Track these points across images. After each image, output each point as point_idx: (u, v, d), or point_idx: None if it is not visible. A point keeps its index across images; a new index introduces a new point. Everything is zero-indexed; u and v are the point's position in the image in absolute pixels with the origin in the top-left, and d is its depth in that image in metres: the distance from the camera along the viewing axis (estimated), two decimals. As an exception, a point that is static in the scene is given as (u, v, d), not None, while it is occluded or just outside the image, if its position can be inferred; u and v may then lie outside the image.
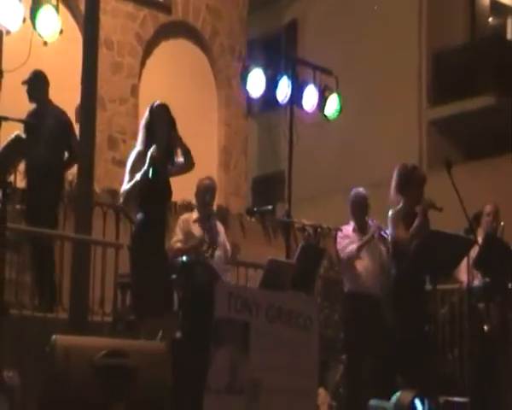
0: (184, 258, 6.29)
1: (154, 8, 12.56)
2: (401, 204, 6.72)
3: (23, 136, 5.24)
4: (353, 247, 7.10)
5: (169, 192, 5.85)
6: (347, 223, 7.35)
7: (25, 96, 7.73)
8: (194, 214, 6.93)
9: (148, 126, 5.76)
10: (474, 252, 6.63)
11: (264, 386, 5.20)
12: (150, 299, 5.50)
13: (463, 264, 6.79)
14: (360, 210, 7.24)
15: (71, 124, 7.72)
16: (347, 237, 7.22)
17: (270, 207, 9.56)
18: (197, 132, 11.35)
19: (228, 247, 6.99)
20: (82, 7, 8.09)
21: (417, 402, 5.52)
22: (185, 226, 6.77)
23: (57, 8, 7.64)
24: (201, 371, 5.06)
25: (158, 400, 4.38)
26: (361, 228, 7.22)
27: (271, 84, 9.81)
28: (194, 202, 7.32)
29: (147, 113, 5.82)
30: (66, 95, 8.04)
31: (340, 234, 7.35)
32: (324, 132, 12.39)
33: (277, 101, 9.93)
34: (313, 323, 5.56)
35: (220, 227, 7.07)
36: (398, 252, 6.60)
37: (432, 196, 6.71)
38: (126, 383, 4.25)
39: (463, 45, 15.93)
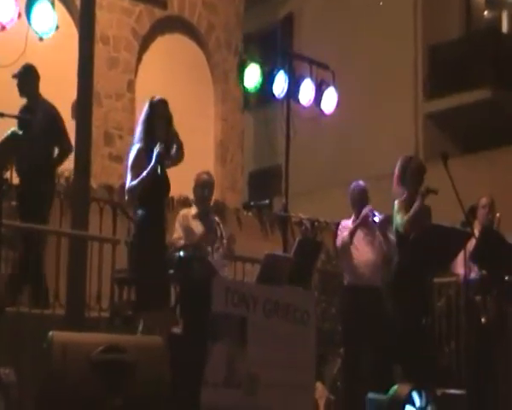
0: (181, 253, 6.29)
1: (150, 3, 12.49)
2: (405, 195, 6.83)
3: (19, 132, 5.22)
4: (345, 233, 7.13)
5: (168, 187, 5.85)
6: (345, 217, 7.35)
7: (20, 92, 7.71)
8: (193, 210, 6.89)
9: (148, 121, 5.74)
10: (471, 245, 6.67)
11: (261, 380, 5.21)
12: (153, 294, 5.52)
13: (460, 257, 6.83)
14: (360, 202, 7.25)
15: (60, 118, 7.65)
16: (346, 229, 7.23)
17: (266, 201, 9.59)
18: (193, 127, 11.34)
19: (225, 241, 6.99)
20: (77, 2, 8.11)
21: (415, 395, 5.52)
22: (184, 222, 6.76)
23: (53, 4, 7.60)
24: (199, 365, 5.07)
25: (156, 394, 4.39)
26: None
27: (268, 79, 9.80)
28: (191, 197, 7.31)
29: (147, 107, 5.80)
30: (62, 91, 8.04)
31: (340, 227, 7.36)
32: (321, 126, 12.36)
33: (274, 95, 9.92)
34: (310, 317, 5.57)
35: (219, 222, 7.06)
36: (401, 240, 6.69)
37: (428, 188, 6.78)
38: (124, 379, 4.26)
39: (459, 39, 15.93)
